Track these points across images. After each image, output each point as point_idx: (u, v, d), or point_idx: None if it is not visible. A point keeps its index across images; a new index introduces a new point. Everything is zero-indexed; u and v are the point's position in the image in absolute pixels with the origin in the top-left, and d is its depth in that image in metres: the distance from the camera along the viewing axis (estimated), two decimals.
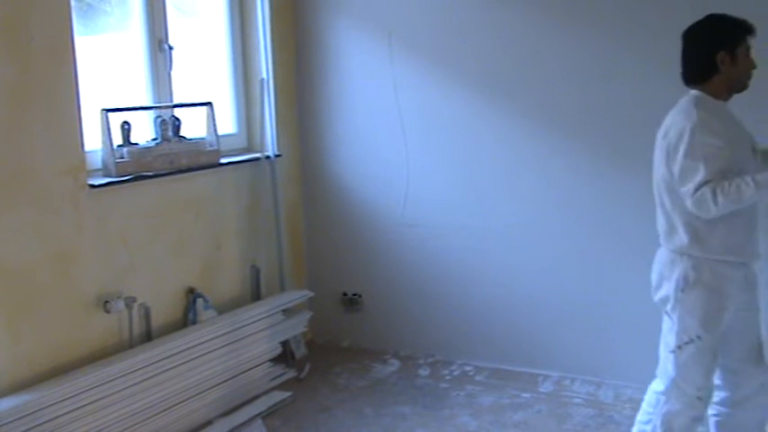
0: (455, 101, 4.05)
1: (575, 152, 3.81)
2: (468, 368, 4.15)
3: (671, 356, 2.68)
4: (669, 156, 2.59)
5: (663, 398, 2.71)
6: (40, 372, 3.01)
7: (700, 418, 2.70)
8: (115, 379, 3.11)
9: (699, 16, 2.70)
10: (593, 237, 3.82)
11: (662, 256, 2.73)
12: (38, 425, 2.81)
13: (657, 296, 2.74)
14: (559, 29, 3.78)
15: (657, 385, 2.79)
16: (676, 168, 2.56)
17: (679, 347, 2.65)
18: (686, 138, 2.52)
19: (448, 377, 4.07)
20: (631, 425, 3.41)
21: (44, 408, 2.84)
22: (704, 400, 2.67)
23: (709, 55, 2.59)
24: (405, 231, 4.29)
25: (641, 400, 3.66)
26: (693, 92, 2.65)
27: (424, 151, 4.18)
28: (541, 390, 3.87)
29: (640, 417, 2.86)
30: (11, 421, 2.72)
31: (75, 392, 2.95)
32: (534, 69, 3.85)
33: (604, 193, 3.77)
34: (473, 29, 3.96)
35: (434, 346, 4.31)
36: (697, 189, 2.48)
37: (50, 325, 3.07)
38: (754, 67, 2.64)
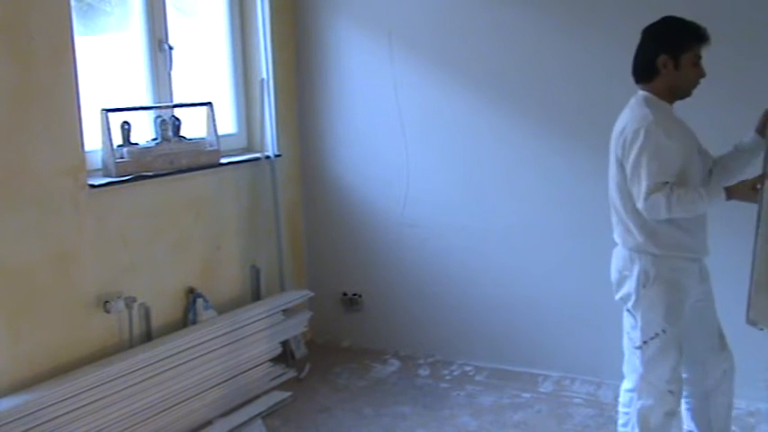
0: (455, 101, 4.05)
1: (575, 152, 3.81)
2: (468, 368, 4.15)
3: (637, 353, 2.72)
4: (624, 154, 2.63)
5: (635, 395, 2.76)
6: (40, 372, 3.01)
7: (673, 413, 2.74)
8: (115, 379, 3.11)
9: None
10: (593, 237, 3.81)
11: (620, 254, 2.77)
12: (38, 425, 2.81)
13: (619, 294, 2.78)
14: (560, 29, 3.78)
15: (627, 384, 2.83)
16: (629, 167, 2.60)
17: (645, 343, 2.70)
18: (641, 138, 2.56)
19: (448, 377, 4.07)
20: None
21: (44, 408, 2.84)
22: (675, 393, 2.71)
23: (652, 56, 2.64)
24: (405, 231, 4.28)
25: None
26: (642, 92, 2.70)
27: (424, 151, 4.18)
28: (541, 390, 3.87)
29: (620, 420, 2.88)
30: (11, 421, 2.72)
31: (75, 392, 2.95)
32: (535, 69, 3.85)
33: (604, 193, 3.75)
34: (473, 29, 3.96)
35: (434, 346, 4.31)
36: (650, 192, 2.53)
37: (50, 325, 3.07)
38: (701, 75, 2.65)
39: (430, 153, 4.17)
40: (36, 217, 3.01)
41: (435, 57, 4.08)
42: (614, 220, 2.78)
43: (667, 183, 2.53)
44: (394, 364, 4.26)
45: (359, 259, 4.45)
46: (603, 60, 3.68)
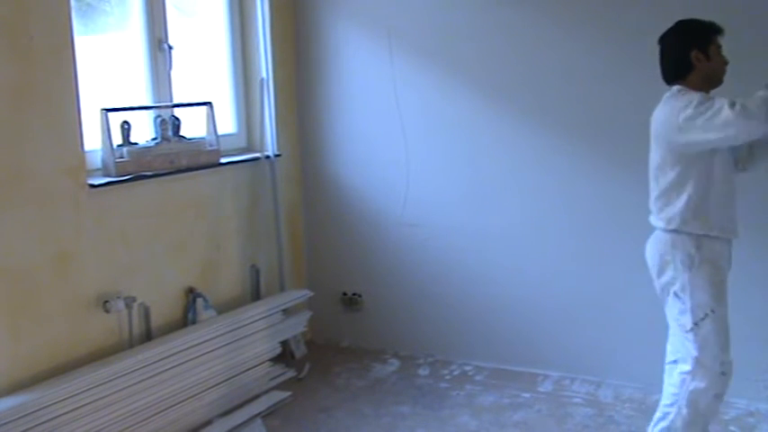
0: (455, 100, 4.05)
1: (576, 152, 3.81)
2: (468, 368, 4.15)
3: (690, 336, 2.74)
4: (682, 128, 2.65)
5: (688, 377, 2.77)
6: (39, 372, 3.01)
7: (722, 395, 2.78)
8: (115, 379, 3.11)
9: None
10: (592, 237, 3.82)
11: (660, 239, 2.81)
12: (38, 425, 2.81)
13: (662, 280, 2.81)
14: (560, 27, 3.78)
15: (683, 366, 2.81)
16: (700, 121, 2.61)
17: (696, 324, 2.72)
18: (695, 102, 2.63)
19: (448, 377, 4.07)
20: (631, 425, 3.43)
21: (44, 408, 2.84)
22: (727, 375, 2.74)
23: (685, 54, 2.76)
24: (405, 231, 4.28)
25: (641, 399, 3.68)
26: (677, 86, 2.79)
27: (424, 151, 4.18)
28: (541, 390, 3.87)
29: (664, 400, 2.89)
30: (11, 421, 2.72)
31: (75, 392, 2.95)
32: (535, 68, 3.85)
33: (605, 192, 3.77)
34: (473, 28, 3.96)
35: (434, 346, 4.31)
36: (732, 104, 2.53)
37: (50, 325, 3.07)
38: (726, 62, 2.79)
39: (430, 153, 4.17)
40: (36, 217, 3.01)
41: (435, 56, 4.08)
42: (658, 203, 2.81)
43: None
44: (394, 364, 4.26)
45: (359, 259, 4.45)
46: (604, 59, 3.68)
